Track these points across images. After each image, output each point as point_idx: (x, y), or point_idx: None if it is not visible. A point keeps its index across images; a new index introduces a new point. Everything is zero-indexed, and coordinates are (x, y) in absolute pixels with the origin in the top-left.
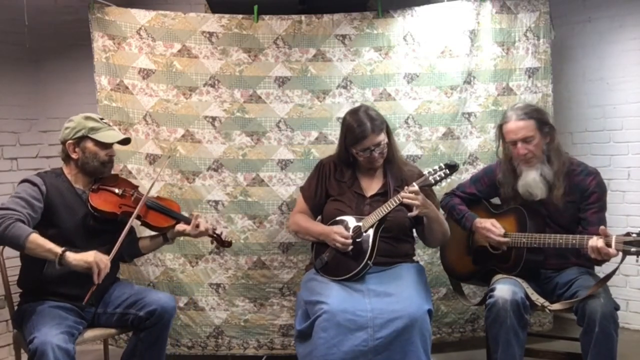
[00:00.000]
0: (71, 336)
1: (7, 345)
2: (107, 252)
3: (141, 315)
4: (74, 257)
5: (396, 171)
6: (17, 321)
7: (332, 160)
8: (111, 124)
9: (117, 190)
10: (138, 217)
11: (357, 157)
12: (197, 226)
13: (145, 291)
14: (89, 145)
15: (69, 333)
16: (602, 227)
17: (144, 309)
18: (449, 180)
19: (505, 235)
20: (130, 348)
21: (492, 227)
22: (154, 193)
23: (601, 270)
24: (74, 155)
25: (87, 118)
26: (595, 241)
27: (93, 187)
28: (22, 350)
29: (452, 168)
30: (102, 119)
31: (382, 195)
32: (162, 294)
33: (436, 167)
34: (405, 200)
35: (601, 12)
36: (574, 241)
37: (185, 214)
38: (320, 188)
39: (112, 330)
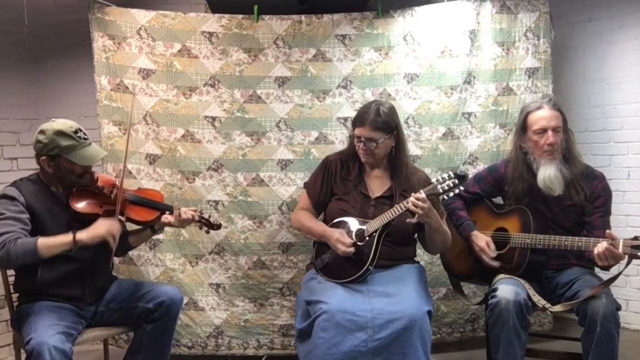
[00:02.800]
0: (69, 336)
1: (7, 345)
2: (99, 250)
3: (150, 307)
4: (88, 236)
5: (403, 176)
6: (15, 322)
7: (339, 158)
8: (87, 136)
9: (96, 190)
10: (121, 214)
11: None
12: (180, 215)
13: (151, 284)
14: (63, 163)
15: (67, 333)
16: (608, 230)
17: (152, 301)
18: (456, 191)
19: (499, 257)
20: (135, 343)
21: (485, 248)
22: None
23: (602, 271)
24: (48, 170)
25: (60, 134)
26: (602, 246)
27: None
28: (22, 351)
29: (462, 179)
30: (76, 132)
31: (388, 199)
32: (169, 287)
33: (445, 176)
34: (411, 207)
35: (601, 12)
36: (579, 243)
37: (169, 204)
38: (325, 185)
39: (113, 330)
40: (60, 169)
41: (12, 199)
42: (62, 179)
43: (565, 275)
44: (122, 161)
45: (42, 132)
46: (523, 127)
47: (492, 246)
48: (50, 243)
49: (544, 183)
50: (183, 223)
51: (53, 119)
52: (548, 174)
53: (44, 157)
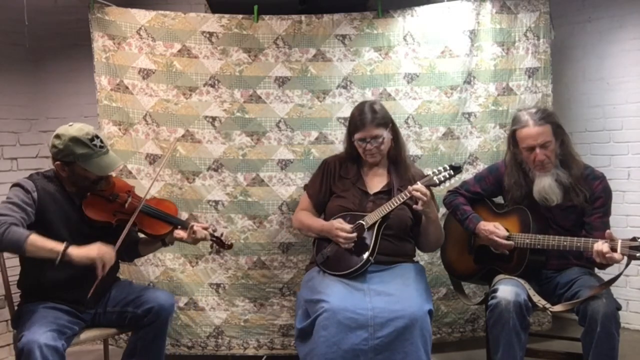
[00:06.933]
0: (62, 334)
1: (7, 345)
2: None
3: (139, 313)
4: (77, 254)
5: (401, 172)
6: (15, 321)
7: (337, 159)
8: (104, 143)
9: (111, 197)
10: (134, 224)
11: (357, 147)
12: (194, 233)
13: (143, 290)
14: (78, 170)
15: (59, 331)
16: (608, 231)
17: (141, 307)
18: (452, 181)
19: (508, 238)
20: (130, 347)
21: (495, 230)
22: (152, 193)
23: (602, 271)
24: (62, 174)
25: (75, 141)
26: (601, 245)
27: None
28: None
29: (457, 170)
30: (92, 139)
31: (386, 194)
32: (160, 292)
33: (440, 168)
34: (415, 194)
35: (601, 12)
36: (578, 244)
37: (184, 215)
38: (324, 185)
39: (112, 330)
40: (75, 174)
41: (26, 191)
42: (77, 184)
43: (565, 275)
44: (122, 161)
45: (58, 136)
46: (513, 142)
47: (501, 227)
48: (39, 244)
49: (539, 195)
50: (196, 241)
51: (71, 123)
52: (543, 185)
53: (58, 162)
